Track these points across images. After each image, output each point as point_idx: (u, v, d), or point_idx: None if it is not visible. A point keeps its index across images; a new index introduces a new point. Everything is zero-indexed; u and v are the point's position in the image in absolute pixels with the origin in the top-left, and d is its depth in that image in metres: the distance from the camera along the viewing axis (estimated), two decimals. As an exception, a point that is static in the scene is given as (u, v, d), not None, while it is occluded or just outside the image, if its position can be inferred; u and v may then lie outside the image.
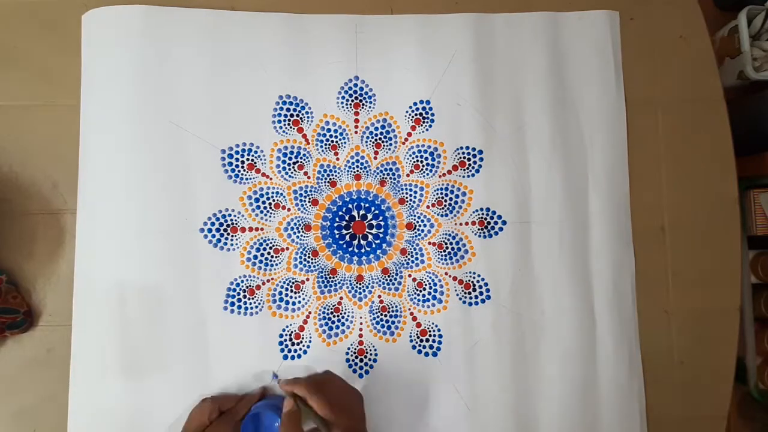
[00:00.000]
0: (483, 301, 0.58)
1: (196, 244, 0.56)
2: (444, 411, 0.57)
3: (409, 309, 0.58)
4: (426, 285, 0.58)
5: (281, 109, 0.58)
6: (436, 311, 0.58)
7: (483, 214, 0.59)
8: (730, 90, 1.09)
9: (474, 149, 0.59)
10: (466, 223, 0.59)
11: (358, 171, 0.59)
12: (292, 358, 0.56)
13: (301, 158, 0.58)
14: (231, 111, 0.57)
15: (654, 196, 0.61)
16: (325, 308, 0.57)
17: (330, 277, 0.58)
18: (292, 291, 0.57)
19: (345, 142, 0.59)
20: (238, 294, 0.56)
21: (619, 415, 0.58)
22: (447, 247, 0.58)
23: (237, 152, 0.57)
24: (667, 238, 0.61)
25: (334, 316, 0.57)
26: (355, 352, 0.57)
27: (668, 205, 0.61)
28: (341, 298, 0.58)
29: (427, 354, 0.57)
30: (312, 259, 0.58)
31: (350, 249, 0.58)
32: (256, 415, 0.51)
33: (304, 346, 0.56)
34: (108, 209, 0.56)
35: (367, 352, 0.57)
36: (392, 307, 0.58)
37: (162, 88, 0.57)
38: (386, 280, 0.58)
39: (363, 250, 0.58)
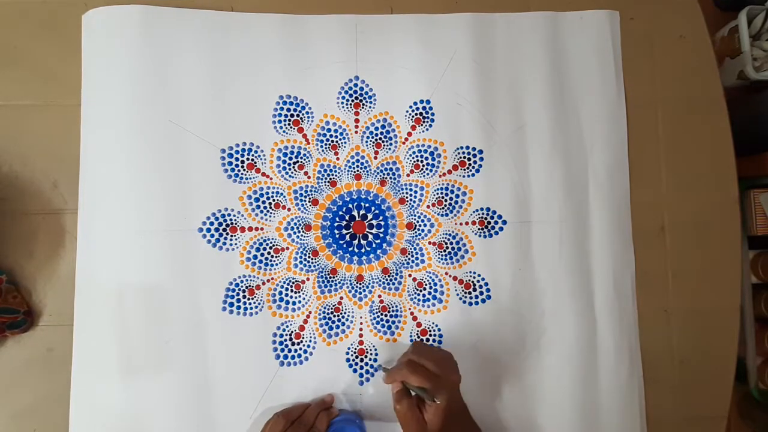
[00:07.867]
0: (483, 300, 0.58)
1: (195, 243, 0.56)
2: (444, 411, 0.57)
3: (410, 309, 0.58)
4: (426, 285, 0.58)
5: (281, 108, 0.58)
6: (436, 311, 0.58)
7: (483, 213, 0.59)
8: (730, 90, 1.09)
9: (474, 149, 0.59)
10: (467, 223, 0.59)
11: (358, 171, 0.59)
12: (293, 357, 0.56)
13: (301, 158, 0.58)
14: (231, 110, 0.57)
15: (654, 196, 0.61)
16: (325, 308, 0.57)
17: (330, 277, 0.58)
18: (292, 291, 0.57)
19: (345, 142, 0.59)
20: (238, 294, 0.56)
21: (619, 415, 0.58)
22: (447, 247, 0.58)
23: (237, 152, 0.57)
24: (667, 238, 0.61)
25: (334, 316, 0.57)
26: (355, 352, 0.57)
27: (668, 205, 0.61)
28: (341, 297, 0.58)
29: (427, 354, 0.57)
30: (312, 258, 0.58)
31: (350, 249, 0.58)
32: (337, 430, 0.52)
33: (304, 345, 0.56)
34: (108, 209, 0.56)
35: (367, 352, 0.57)
36: (392, 307, 0.58)
37: (162, 88, 0.57)
38: (386, 279, 0.58)
39: (363, 250, 0.58)
